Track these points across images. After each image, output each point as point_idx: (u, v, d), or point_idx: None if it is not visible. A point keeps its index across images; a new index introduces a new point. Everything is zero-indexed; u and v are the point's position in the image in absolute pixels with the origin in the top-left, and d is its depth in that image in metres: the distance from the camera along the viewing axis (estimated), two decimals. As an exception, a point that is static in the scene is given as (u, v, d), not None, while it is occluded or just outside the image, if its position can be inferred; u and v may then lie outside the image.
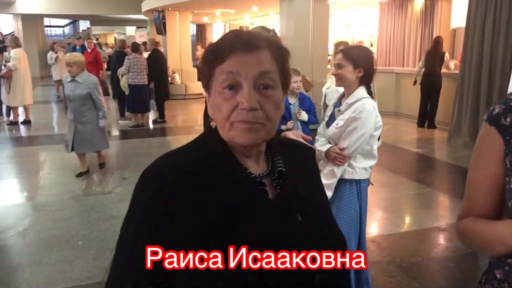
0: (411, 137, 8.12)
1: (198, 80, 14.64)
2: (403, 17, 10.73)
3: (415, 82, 8.59)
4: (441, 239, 3.98)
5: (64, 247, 3.78)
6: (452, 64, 8.41)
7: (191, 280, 0.85)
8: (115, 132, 9.07)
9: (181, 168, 0.91)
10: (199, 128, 9.56)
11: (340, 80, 2.46)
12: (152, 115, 9.93)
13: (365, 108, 2.37)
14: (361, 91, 2.45)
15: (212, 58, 0.93)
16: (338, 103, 2.57)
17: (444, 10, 10.28)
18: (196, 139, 1.01)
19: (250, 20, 16.53)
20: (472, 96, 7.23)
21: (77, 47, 13.04)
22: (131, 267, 0.89)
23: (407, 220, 4.63)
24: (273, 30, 2.55)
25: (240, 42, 0.91)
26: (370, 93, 2.49)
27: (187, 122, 10.31)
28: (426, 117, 8.68)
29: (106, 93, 9.59)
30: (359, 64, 2.42)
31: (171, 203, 0.88)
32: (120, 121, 9.73)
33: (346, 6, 11.84)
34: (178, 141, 8.41)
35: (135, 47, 8.98)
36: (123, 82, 8.84)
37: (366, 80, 2.47)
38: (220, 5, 12.95)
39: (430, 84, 8.37)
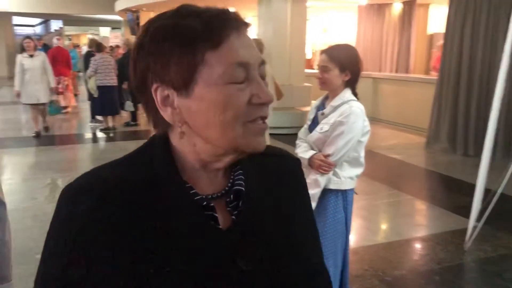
0: (388, 143, 8.01)
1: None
2: (381, 22, 10.69)
3: None
4: (424, 251, 3.81)
5: (20, 261, 3.44)
6: None
7: None
8: (86, 135, 8.76)
9: (97, 189, 0.68)
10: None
11: (325, 84, 2.24)
12: (123, 117, 9.57)
13: (352, 111, 2.16)
14: (347, 93, 2.24)
15: (197, 40, 0.66)
16: (321, 105, 2.35)
17: (421, 16, 10.30)
18: (137, 148, 0.78)
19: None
20: (450, 102, 7.15)
21: (39, 47, 12.52)
22: None
23: (388, 230, 4.45)
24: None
25: (234, 17, 0.69)
26: (355, 94, 2.29)
27: (160, 125, 9.98)
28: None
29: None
30: (346, 67, 2.20)
31: (82, 235, 0.66)
32: (90, 124, 9.37)
33: (323, 10, 11.75)
34: (150, 144, 8.11)
35: (99, 47, 8.60)
36: (91, 84, 8.47)
37: (352, 82, 2.26)
38: (196, 6, 12.68)
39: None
